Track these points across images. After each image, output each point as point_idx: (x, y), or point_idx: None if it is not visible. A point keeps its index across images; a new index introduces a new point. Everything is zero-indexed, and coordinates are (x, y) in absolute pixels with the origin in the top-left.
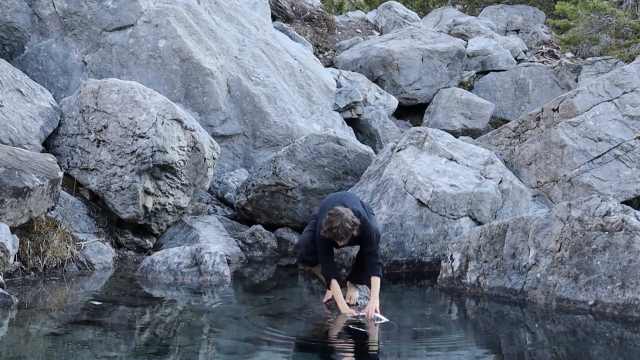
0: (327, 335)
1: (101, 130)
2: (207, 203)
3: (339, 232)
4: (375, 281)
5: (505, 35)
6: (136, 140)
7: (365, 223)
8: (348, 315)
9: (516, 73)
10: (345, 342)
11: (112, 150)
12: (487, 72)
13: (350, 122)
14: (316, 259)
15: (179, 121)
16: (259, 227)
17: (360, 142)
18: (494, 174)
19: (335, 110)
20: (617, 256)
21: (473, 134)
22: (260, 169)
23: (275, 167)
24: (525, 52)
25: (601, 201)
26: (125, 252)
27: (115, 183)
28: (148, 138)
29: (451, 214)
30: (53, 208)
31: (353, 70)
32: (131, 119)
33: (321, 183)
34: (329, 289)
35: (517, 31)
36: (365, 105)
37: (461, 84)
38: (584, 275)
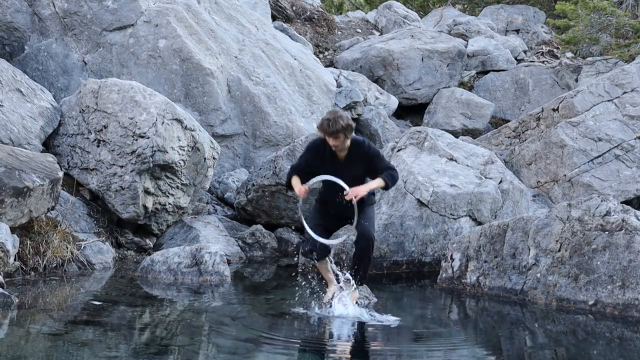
0: (327, 336)
1: (101, 130)
2: (207, 203)
3: (331, 125)
4: (378, 181)
5: (506, 35)
6: (136, 140)
7: (364, 141)
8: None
9: (516, 73)
10: (345, 343)
11: (112, 150)
12: (487, 72)
13: None
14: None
15: (179, 121)
16: (259, 227)
17: None
18: (494, 174)
19: None
20: (617, 256)
21: (473, 134)
22: (260, 168)
23: (276, 167)
24: (525, 52)
25: (601, 201)
26: (125, 252)
27: (116, 183)
28: (148, 138)
29: (451, 214)
30: (53, 208)
31: (353, 70)
32: (131, 118)
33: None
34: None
35: (517, 31)
36: (365, 105)
37: (461, 84)
38: (584, 275)
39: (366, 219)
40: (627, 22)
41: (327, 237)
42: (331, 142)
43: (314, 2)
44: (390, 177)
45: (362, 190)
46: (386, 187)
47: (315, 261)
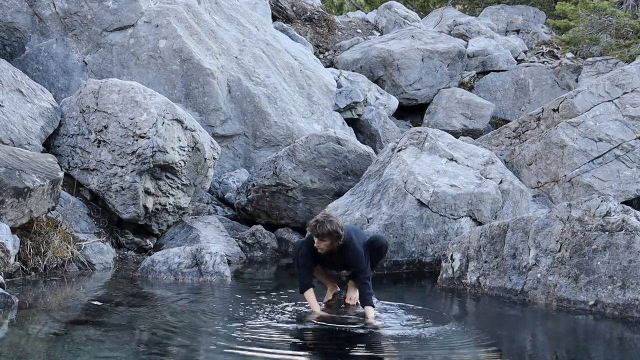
0: (327, 336)
1: (102, 130)
2: (207, 203)
3: (317, 228)
4: (368, 309)
5: (506, 35)
6: (136, 140)
7: (351, 242)
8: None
9: (516, 73)
10: (345, 343)
11: (113, 151)
12: (487, 73)
13: (350, 122)
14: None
15: (180, 121)
16: (260, 227)
17: (361, 142)
18: (494, 174)
19: (336, 111)
20: (617, 256)
21: (473, 134)
22: (260, 169)
23: (276, 167)
24: (525, 52)
25: (601, 201)
26: (125, 252)
27: (116, 183)
28: (148, 138)
29: (451, 214)
30: (53, 208)
31: (353, 71)
32: (131, 119)
33: (321, 183)
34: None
35: (518, 31)
36: (365, 106)
37: (461, 84)
38: (584, 276)
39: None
40: (627, 22)
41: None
42: (316, 242)
43: (314, 3)
44: (371, 293)
45: (374, 323)
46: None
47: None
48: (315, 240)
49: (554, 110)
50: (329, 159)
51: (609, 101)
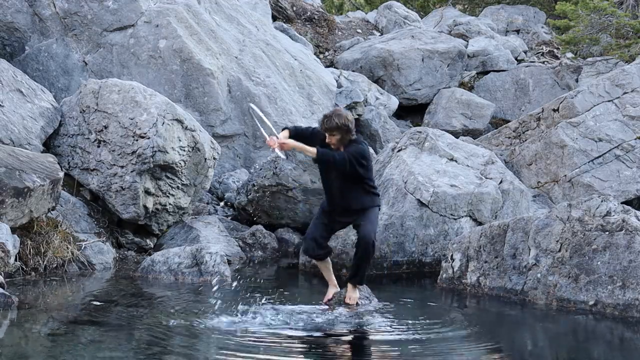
0: (327, 336)
1: (102, 130)
2: (207, 203)
3: (326, 122)
4: (312, 149)
5: (506, 35)
6: (137, 140)
7: (361, 142)
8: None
9: (516, 73)
10: (345, 343)
11: (113, 151)
12: (487, 73)
13: None
14: (322, 254)
15: (180, 121)
16: (260, 227)
17: None
18: (495, 174)
19: None
20: (617, 256)
21: (473, 134)
22: (260, 169)
23: (276, 168)
24: (525, 52)
25: (601, 201)
26: (125, 252)
27: (116, 183)
28: (149, 138)
29: (451, 214)
30: (54, 208)
31: (353, 71)
32: (132, 119)
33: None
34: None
35: (518, 31)
36: (365, 106)
37: (461, 84)
38: (585, 276)
39: (367, 222)
40: (628, 22)
41: (328, 236)
42: (327, 139)
43: (315, 3)
44: (325, 154)
45: (287, 142)
46: (316, 158)
47: (315, 260)
48: (327, 137)
49: (554, 110)
50: None
51: (609, 101)
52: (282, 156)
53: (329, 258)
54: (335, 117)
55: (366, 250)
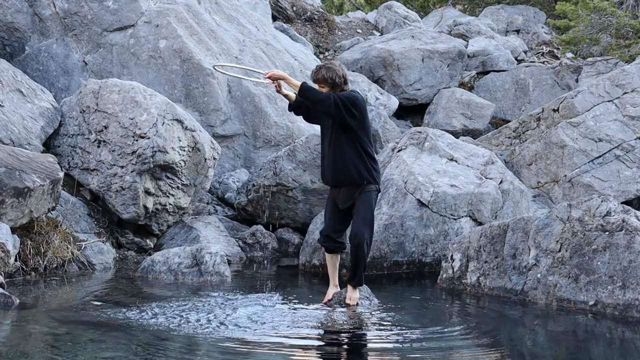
0: (327, 336)
1: (102, 130)
2: (207, 203)
3: (314, 73)
4: (297, 82)
5: (506, 35)
6: (137, 140)
7: (353, 91)
8: None
9: (516, 73)
10: (344, 343)
11: (113, 151)
12: (487, 73)
13: None
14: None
15: (180, 121)
16: (260, 227)
17: None
18: (495, 174)
19: None
20: (617, 256)
21: (473, 134)
22: (260, 169)
23: (276, 168)
24: (525, 52)
25: (601, 201)
26: (125, 252)
27: (116, 183)
28: (149, 138)
29: (451, 214)
30: (54, 208)
31: (353, 71)
32: (132, 119)
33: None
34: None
35: (518, 31)
36: None
37: (461, 85)
38: (585, 276)
39: (360, 214)
40: (628, 22)
41: (342, 229)
42: (317, 89)
43: (315, 3)
44: (310, 89)
45: (275, 72)
46: (300, 91)
47: (327, 250)
48: (317, 88)
49: (554, 110)
50: None
51: (609, 101)
52: (272, 86)
53: (338, 255)
54: (324, 69)
55: (357, 253)
